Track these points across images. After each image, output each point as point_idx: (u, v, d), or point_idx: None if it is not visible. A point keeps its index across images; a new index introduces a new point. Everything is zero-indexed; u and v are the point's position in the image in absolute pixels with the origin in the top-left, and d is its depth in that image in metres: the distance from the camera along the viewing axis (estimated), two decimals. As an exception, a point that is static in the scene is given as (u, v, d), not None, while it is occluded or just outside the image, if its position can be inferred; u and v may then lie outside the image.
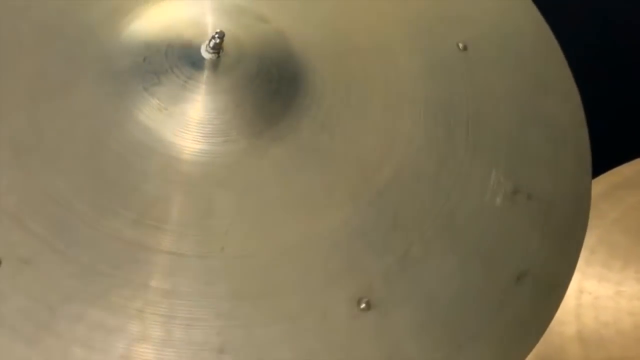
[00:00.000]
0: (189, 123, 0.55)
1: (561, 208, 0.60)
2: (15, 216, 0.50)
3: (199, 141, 0.54)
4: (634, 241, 0.79)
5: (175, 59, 0.56)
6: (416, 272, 0.53)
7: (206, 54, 0.56)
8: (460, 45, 0.63)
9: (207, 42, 0.55)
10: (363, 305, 0.51)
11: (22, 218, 0.50)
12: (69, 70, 0.56)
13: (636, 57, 1.10)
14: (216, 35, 0.55)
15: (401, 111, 0.60)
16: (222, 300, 0.49)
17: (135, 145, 0.54)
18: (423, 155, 0.58)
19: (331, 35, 0.62)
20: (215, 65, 0.56)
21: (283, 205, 0.54)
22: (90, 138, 0.54)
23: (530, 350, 0.54)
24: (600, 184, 0.85)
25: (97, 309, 0.48)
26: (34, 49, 0.56)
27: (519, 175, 0.60)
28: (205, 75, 0.56)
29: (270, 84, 0.57)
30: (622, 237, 0.80)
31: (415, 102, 0.60)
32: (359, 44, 0.62)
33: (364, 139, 0.58)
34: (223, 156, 0.54)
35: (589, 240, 0.74)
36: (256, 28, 0.59)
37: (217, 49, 0.55)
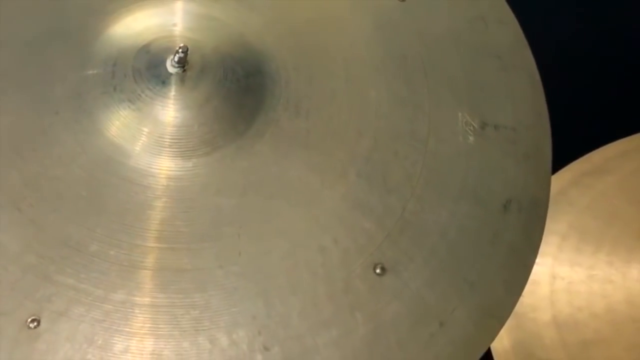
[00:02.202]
0: (175, 142, 0.57)
1: (525, 131, 0.65)
2: (41, 271, 0.52)
3: (189, 156, 0.56)
4: (604, 225, 0.83)
5: (145, 80, 0.57)
6: (417, 228, 0.58)
7: (172, 69, 0.57)
8: (399, -4, 0.66)
9: (171, 57, 0.57)
10: (378, 271, 0.55)
11: (47, 272, 0.52)
12: (42, 113, 0.57)
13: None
14: (180, 50, 0.56)
15: (363, 78, 0.63)
16: (253, 302, 0.53)
17: (132, 174, 0.56)
18: (394, 115, 0.62)
19: (280, 18, 0.64)
20: (182, 79, 0.57)
21: (283, 197, 0.57)
22: (83, 176, 0.56)
23: (531, 269, 0.60)
24: (570, 172, 0.88)
25: (139, 336, 0.51)
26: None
27: (482, 110, 0.64)
28: (173, 91, 0.57)
29: (239, 83, 0.59)
30: (592, 222, 0.83)
31: (374, 65, 0.63)
32: (308, 20, 0.64)
33: (337, 114, 0.61)
34: (214, 164, 0.57)
35: (561, 226, 0.79)
36: (213, 31, 0.60)
37: (182, 63, 0.57)
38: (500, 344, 0.78)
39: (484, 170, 0.62)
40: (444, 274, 0.57)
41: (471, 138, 0.62)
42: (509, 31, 0.69)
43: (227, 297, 0.53)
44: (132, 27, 0.60)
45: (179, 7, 0.62)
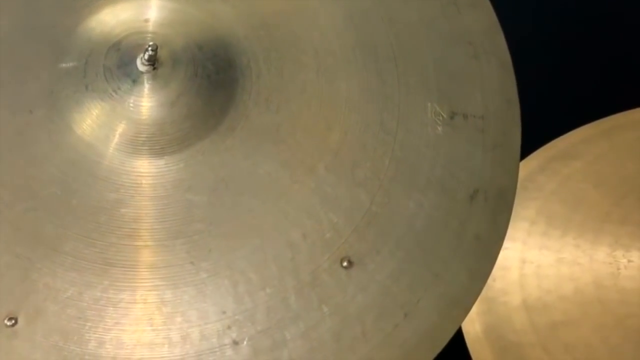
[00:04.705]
0: (147, 140, 0.58)
1: (494, 120, 0.66)
2: (17, 270, 0.54)
3: (161, 154, 0.58)
4: (571, 209, 0.84)
5: (115, 79, 0.58)
6: (384, 220, 0.59)
7: (142, 67, 0.58)
8: (369, -15, 0.66)
9: (141, 55, 0.58)
10: (345, 264, 0.57)
11: (23, 271, 0.54)
12: (16, 112, 0.58)
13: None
14: (149, 48, 0.57)
15: (333, 70, 0.63)
16: (224, 297, 0.55)
17: (105, 172, 0.57)
18: (363, 107, 0.63)
19: (251, 10, 0.64)
20: (153, 76, 0.58)
21: (253, 193, 0.58)
22: (57, 175, 0.57)
23: (496, 258, 0.62)
24: (537, 159, 0.89)
25: (114, 332, 0.54)
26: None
27: (452, 100, 0.65)
28: (145, 89, 0.58)
29: (209, 79, 0.60)
30: (559, 206, 0.85)
31: (345, 56, 0.64)
32: (279, 11, 0.65)
33: (307, 107, 0.62)
34: (186, 161, 0.58)
35: (529, 212, 0.80)
36: (184, 25, 0.61)
37: (152, 61, 0.58)
38: (472, 328, 0.81)
39: (451, 160, 0.63)
40: (410, 265, 0.59)
41: (440, 128, 0.63)
42: (482, 15, 0.69)
43: (198, 293, 0.55)
44: (105, 22, 0.61)
45: (152, 1, 0.62)
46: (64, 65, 0.59)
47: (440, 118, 0.64)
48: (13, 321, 0.52)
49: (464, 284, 0.60)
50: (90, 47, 0.59)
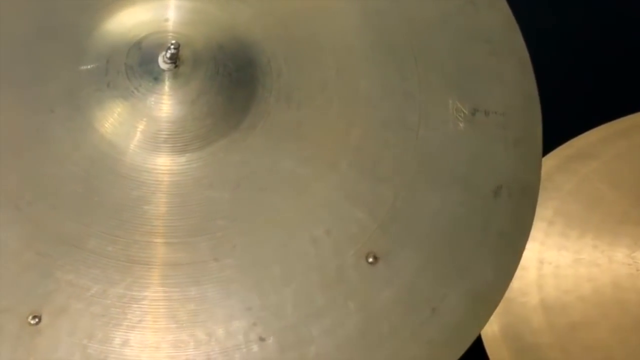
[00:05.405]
0: (169, 137, 0.58)
1: (515, 116, 0.65)
2: (40, 268, 0.53)
3: (183, 151, 0.57)
4: (589, 210, 0.83)
5: (137, 77, 0.58)
6: (408, 216, 0.59)
7: (164, 65, 0.58)
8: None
9: (163, 53, 0.58)
10: (370, 260, 0.57)
11: (46, 269, 0.53)
12: (37, 111, 0.58)
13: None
14: (172, 46, 0.57)
15: (353, 68, 0.63)
16: (249, 293, 0.54)
17: (127, 170, 0.57)
18: (384, 104, 0.62)
19: (269, 9, 0.64)
20: (175, 75, 0.58)
21: (275, 189, 0.58)
22: (79, 173, 0.57)
23: (521, 254, 0.61)
24: (554, 158, 0.88)
25: (138, 330, 0.53)
26: None
27: (473, 96, 0.64)
28: (166, 87, 0.58)
29: (230, 77, 0.60)
30: (577, 207, 0.84)
31: (364, 54, 0.64)
32: (297, 10, 0.65)
33: (327, 104, 0.61)
34: (208, 158, 0.58)
35: (547, 212, 0.80)
36: (204, 25, 0.61)
37: (174, 59, 0.58)
38: (490, 328, 0.80)
39: (474, 156, 0.62)
40: (435, 261, 0.58)
41: (461, 124, 0.63)
42: (499, 14, 0.69)
43: (223, 290, 0.54)
44: (124, 23, 0.61)
45: (171, 1, 0.62)
46: (85, 63, 0.59)
47: (462, 114, 0.63)
48: (37, 319, 0.52)
49: (490, 280, 0.59)
50: (111, 46, 0.59)
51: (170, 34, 0.60)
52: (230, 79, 0.60)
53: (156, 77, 0.58)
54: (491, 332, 0.80)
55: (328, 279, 0.56)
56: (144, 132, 0.58)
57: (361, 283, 0.56)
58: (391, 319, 0.56)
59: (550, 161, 0.85)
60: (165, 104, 0.58)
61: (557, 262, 0.82)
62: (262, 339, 0.53)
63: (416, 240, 0.58)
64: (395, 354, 0.55)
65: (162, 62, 0.58)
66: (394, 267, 0.57)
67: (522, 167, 0.64)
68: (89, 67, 0.59)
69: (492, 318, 0.60)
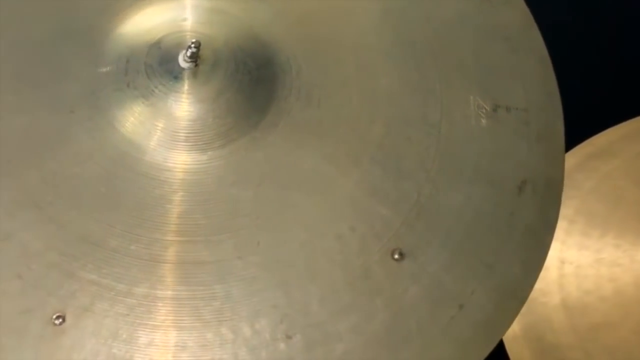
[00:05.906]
0: (190, 136, 0.57)
1: (537, 112, 0.65)
2: (63, 268, 0.53)
3: (204, 150, 0.57)
4: (611, 208, 0.82)
5: (157, 76, 0.58)
6: (433, 212, 0.58)
7: (184, 64, 0.58)
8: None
9: (183, 52, 0.57)
10: (396, 256, 0.56)
11: (69, 269, 0.53)
12: (57, 112, 0.58)
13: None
14: (192, 45, 0.57)
15: (373, 65, 0.63)
16: (274, 291, 0.53)
17: (148, 169, 0.56)
18: (405, 101, 0.62)
19: (288, 8, 0.64)
20: (195, 73, 0.58)
21: (298, 186, 0.57)
22: (100, 173, 0.56)
23: (548, 249, 0.60)
24: (575, 156, 0.87)
25: (163, 329, 0.52)
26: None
27: (494, 93, 0.64)
28: (186, 85, 0.58)
29: (250, 75, 0.59)
30: (599, 205, 0.83)
31: (383, 51, 0.63)
32: (316, 9, 0.65)
33: (348, 101, 0.61)
34: (229, 157, 0.57)
35: (568, 211, 0.79)
36: (223, 24, 0.61)
37: (195, 57, 0.57)
38: (511, 328, 0.78)
39: (497, 152, 0.62)
40: (462, 256, 0.57)
41: (484, 120, 0.62)
42: (516, 11, 0.69)
43: (248, 287, 0.53)
44: (143, 24, 0.61)
45: (188, 1, 0.62)
46: (104, 64, 0.58)
47: (484, 111, 0.63)
48: (61, 319, 0.51)
49: (518, 275, 0.58)
50: (131, 47, 0.59)
51: (189, 33, 0.59)
52: (250, 78, 0.59)
53: (176, 75, 0.58)
54: (512, 332, 0.79)
55: (353, 276, 0.55)
56: (165, 130, 0.57)
57: (387, 280, 0.55)
58: (418, 315, 0.55)
59: (570, 159, 0.84)
60: (185, 102, 0.58)
61: (578, 262, 0.81)
62: (288, 337, 0.52)
63: (442, 236, 0.57)
64: (422, 351, 0.54)
65: (183, 61, 0.58)
66: (420, 263, 0.56)
67: (545, 163, 0.63)
68: (108, 69, 0.59)
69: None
